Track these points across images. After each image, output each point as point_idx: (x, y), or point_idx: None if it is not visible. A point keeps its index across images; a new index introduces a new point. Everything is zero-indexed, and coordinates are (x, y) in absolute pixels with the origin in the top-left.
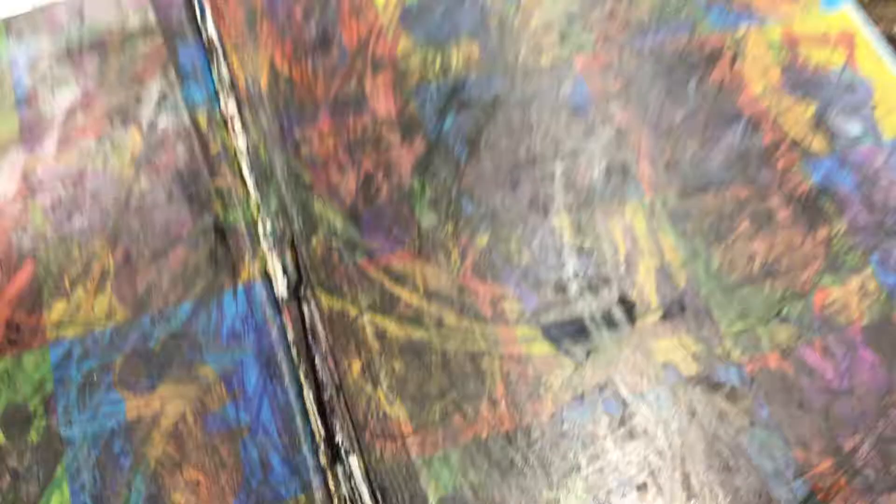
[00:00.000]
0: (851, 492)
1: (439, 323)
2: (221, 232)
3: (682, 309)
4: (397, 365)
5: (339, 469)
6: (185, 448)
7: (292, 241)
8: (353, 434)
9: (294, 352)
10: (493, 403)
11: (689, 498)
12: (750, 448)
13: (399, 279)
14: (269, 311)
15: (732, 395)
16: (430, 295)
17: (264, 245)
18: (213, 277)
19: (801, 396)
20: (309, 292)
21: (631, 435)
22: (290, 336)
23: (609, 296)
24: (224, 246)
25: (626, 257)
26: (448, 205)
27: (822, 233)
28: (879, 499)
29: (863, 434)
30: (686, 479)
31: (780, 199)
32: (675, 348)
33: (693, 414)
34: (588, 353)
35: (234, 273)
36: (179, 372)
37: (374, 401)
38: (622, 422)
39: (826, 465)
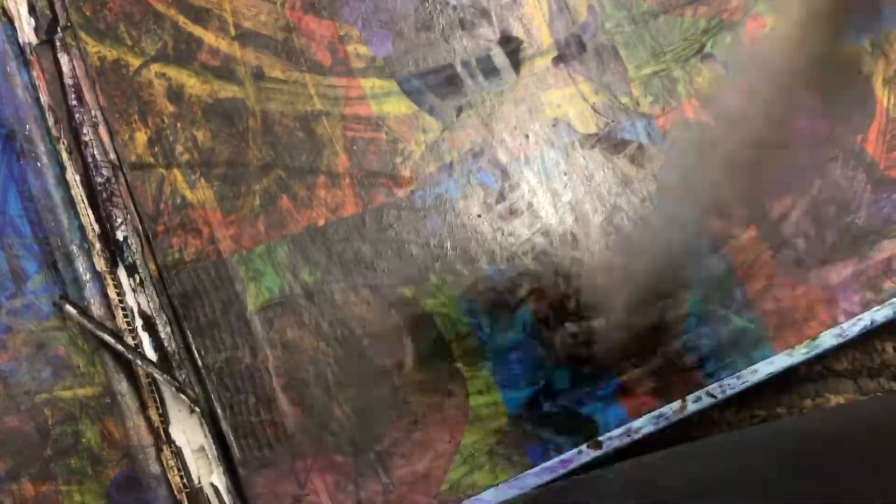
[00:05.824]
0: (777, 267)
1: (258, 75)
2: None
3: (582, 48)
4: (200, 134)
5: (122, 274)
6: None
7: None
8: (139, 228)
9: (50, 120)
10: (334, 180)
11: None
12: (657, 219)
13: (199, 15)
14: (11, 65)
15: (639, 156)
16: (244, 37)
17: None
18: None
19: (723, 153)
20: (69, 36)
21: (511, 212)
22: (44, 98)
23: (488, 34)
24: None
25: None
26: None
27: None
28: (809, 274)
29: (795, 196)
30: (577, 263)
31: None
32: (571, 99)
33: (589, 181)
34: (459, 111)
35: None
36: None
37: (168, 183)
38: (501, 196)
39: (748, 235)
